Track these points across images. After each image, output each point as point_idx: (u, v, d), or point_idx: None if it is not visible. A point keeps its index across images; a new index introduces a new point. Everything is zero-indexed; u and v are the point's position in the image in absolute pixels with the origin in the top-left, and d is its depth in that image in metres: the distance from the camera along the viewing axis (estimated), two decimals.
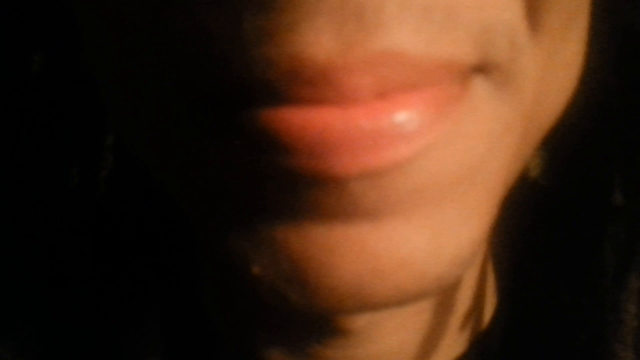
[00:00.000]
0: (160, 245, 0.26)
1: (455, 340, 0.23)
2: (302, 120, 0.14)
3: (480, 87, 0.15)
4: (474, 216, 0.15)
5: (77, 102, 0.26)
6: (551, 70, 0.16)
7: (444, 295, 0.22)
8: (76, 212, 0.26)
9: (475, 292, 0.23)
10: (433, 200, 0.15)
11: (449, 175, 0.15)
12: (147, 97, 0.16)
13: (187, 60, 0.14)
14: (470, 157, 0.15)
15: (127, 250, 0.26)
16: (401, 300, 0.15)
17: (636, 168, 0.23)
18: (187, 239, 0.25)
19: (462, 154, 0.15)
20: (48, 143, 0.26)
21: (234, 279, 0.22)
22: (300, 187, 0.14)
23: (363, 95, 0.13)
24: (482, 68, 0.15)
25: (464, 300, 0.23)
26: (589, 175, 0.25)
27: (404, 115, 0.14)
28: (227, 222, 0.16)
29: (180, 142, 0.16)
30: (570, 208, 0.25)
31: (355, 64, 0.13)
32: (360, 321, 0.21)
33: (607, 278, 0.22)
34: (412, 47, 0.13)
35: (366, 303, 0.15)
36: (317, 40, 0.13)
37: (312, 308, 0.15)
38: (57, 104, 0.26)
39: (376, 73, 0.13)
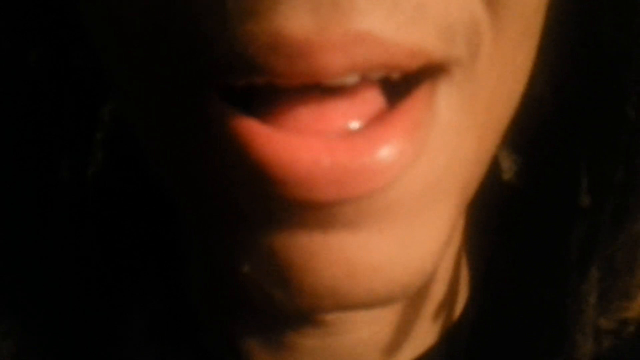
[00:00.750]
0: (148, 238, 0.27)
1: (427, 332, 0.24)
2: (292, 155, 0.15)
3: (444, 91, 0.16)
4: (437, 227, 0.17)
5: (68, 98, 0.27)
6: (506, 76, 0.18)
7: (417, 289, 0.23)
8: (67, 205, 0.27)
9: (448, 286, 0.24)
10: (401, 214, 0.16)
11: (415, 191, 0.16)
12: (146, 82, 0.17)
13: (175, 41, 0.15)
14: (433, 171, 0.16)
15: (116, 243, 0.27)
16: (372, 302, 0.17)
17: (601, 172, 0.24)
18: (174, 231, 0.26)
19: (427, 169, 0.16)
20: (39, 139, 0.27)
21: (218, 273, 0.23)
22: (285, 207, 0.16)
23: (335, 72, 0.15)
24: (445, 67, 0.16)
25: (437, 293, 0.24)
26: (558, 178, 0.26)
27: (384, 152, 0.15)
28: (219, 224, 0.17)
29: (176, 138, 0.17)
30: (540, 208, 0.26)
31: (330, 42, 0.14)
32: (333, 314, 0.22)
33: (571, 272, 0.23)
34: (382, 31, 0.14)
35: (341, 303, 0.16)
36: (296, 19, 0.14)
37: (294, 306, 0.17)
38: (49, 100, 0.27)
39: (348, 52, 0.14)
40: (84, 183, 0.28)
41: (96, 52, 0.19)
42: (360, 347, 0.23)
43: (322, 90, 0.15)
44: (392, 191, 0.16)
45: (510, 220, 0.27)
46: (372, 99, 0.16)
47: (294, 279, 0.16)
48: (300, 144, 0.15)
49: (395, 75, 0.16)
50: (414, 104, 0.16)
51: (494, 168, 0.26)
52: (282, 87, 0.15)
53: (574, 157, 0.24)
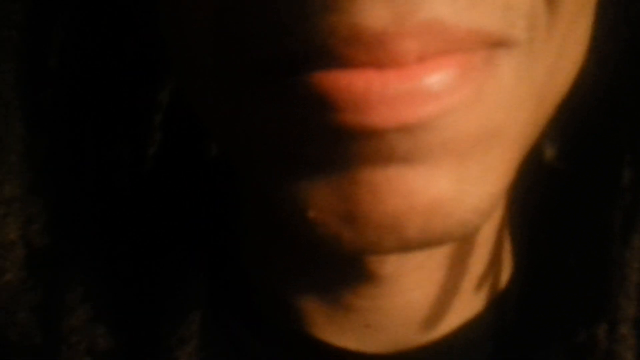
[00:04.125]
0: (203, 212, 0.28)
1: (472, 299, 0.26)
2: (348, 82, 0.16)
3: (502, 60, 0.17)
4: (493, 173, 0.18)
5: (128, 83, 0.28)
6: (564, 50, 0.19)
7: (462, 254, 0.25)
8: (127, 183, 0.29)
9: (491, 256, 0.25)
10: (457, 154, 0.17)
11: (471, 134, 0.17)
12: (216, 64, 0.18)
13: (255, 30, 0.17)
14: (490, 121, 0.17)
15: (173, 217, 0.28)
16: (430, 239, 0.18)
17: None
18: (230, 203, 0.28)
19: (484, 117, 0.17)
20: (101, 124, 0.28)
21: (276, 234, 0.25)
22: (346, 139, 0.17)
23: (410, 58, 0.16)
24: (504, 43, 0.17)
25: (480, 261, 0.25)
26: (599, 152, 0.27)
27: (434, 78, 0.16)
28: (284, 174, 0.18)
29: (245, 104, 0.18)
30: (582, 185, 0.27)
31: (405, 32, 0.16)
32: (388, 266, 0.23)
33: (614, 241, 0.24)
34: (448, 16, 0.16)
35: (402, 240, 0.17)
36: (374, 12, 0.16)
37: (360, 245, 0.18)
38: (110, 85, 0.28)
39: (420, 39, 0.16)
40: (145, 161, 0.29)
41: (160, 36, 0.21)
42: (410, 309, 0.25)
43: None
44: (448, 127, 0.17)
45: (551, 194, 0.28)
46: None
47: (360, 214, 0.17)
48: (354, 73, 0.16)
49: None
50: (471, 54, 0.17)
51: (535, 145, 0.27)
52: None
53: (617, 130, 0.25)
